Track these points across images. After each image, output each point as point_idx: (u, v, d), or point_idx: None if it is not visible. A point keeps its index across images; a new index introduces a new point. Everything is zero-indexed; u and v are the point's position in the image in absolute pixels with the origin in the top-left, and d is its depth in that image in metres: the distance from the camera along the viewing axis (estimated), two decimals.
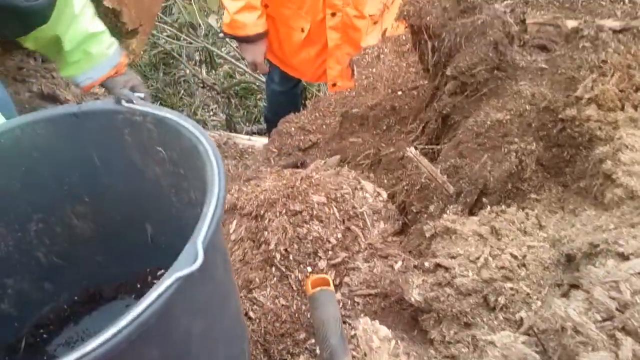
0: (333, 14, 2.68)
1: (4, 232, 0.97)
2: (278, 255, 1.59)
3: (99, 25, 1.92)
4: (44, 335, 1.04)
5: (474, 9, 1.54)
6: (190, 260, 0.61)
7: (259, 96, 4.83)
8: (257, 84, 4.54)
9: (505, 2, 2.00)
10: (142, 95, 1.98)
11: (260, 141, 3.93)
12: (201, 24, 4.18)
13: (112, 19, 2.67)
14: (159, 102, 4.70)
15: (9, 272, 1.00)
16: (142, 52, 3.25)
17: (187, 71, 4.85)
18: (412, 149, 1.45)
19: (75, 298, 1.09)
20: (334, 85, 2.93)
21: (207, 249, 0.65)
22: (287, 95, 3.48)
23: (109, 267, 1.08)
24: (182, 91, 4.95)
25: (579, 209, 1.27)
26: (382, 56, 2.30)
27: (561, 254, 1.20)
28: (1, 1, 1.44)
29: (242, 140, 4.01)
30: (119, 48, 1.97)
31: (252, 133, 4.56)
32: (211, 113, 4.95)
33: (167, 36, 4.60)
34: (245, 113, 4.87)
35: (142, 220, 1.01)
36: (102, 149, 0.95)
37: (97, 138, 0.93)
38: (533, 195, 1.37)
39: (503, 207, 1.39)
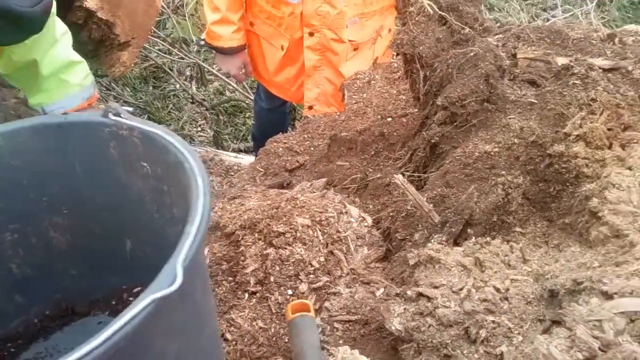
0: (311, 34, 2.68)
1: None
2: (258, 277, 1.57)
3: (77, 55, 1.87)
4: (12, 349, 1.01)
5: (467, 41, 1.55)
6: (168, 282, 0.59)
7: (247, 114, 4.83)
8: (247, 102, 4.54)
9: (497, 36, 2.02)
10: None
11: (247, 159, 3.92)
12: (194, 40, 4.17)
13: (105, 31, 2.66)
14: (147, 116, 4.68)
15: None
16: (132, 65, 3.24)
17: (177, 86, 4.83)
18: (400, 176, 1.45)
19: (47, 312, 1.05)
20: (310, 108, 2.92)
21: (187, 270, 0.63)
22: (274, 113, 3.48)
23: (84, 282, 1.05)
24: (171, 105, 4.93)
25: (563, 244, 1.27)
26: (372, 82, 2.31)
27: (544, 289, 1.20)
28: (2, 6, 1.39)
29: (229, 157, 3.99)
30: (94, 81, 1.92)
31: (239, 151, 4.55)
32: (199, 129, 4.93)
33: (159, 50, 4.59)
34: (233, 130, 4.86)
35: (122, 235, 0.98)
36: (86, 161, 0.92)
37: (81, 150, 0.91)
38: (518, 229, 1.36)
39: (488, 239, 1.38)
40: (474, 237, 1.40)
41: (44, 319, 1.05)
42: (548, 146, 1.35)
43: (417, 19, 1.61)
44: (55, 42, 1.79)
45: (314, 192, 1.82)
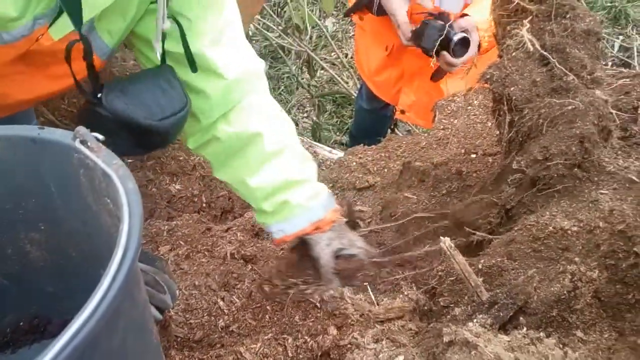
0: None
1: None
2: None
3: (304, 171, 1.53)
4: None
5: (567, 91, 1.29)
6: None
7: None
8: (354, 97, 4.41)
9: (621, 81, 1.72)
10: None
11: (340, 156, 3.80)
12: (308, 27, 4.07)
13: None
14: None
15: None
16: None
17: (292, 69, 4.79)
18: (447, 239, 1.24)
19: (21, 324, 1.00)
20: (403, 112, 2.75)
21: None
22: (373, 115, 3.31)
23: (61, 301, 0.97)
24: (283, 87, 4.92)
25: None
26: (469, 108, 2.07)
27: None
28: (121, 116, 1.18)
29: (323, 151, 3.88)
30: (327, 200, 1.55)
31: (341, 144, 4.44)
32: (305, 115, 4.88)
33: (281, 32, 4.55)
34: (338, 122, 4.75)
35: (96, 264, 0.89)
36: (60, 182, 0.84)
37: (54, 169, 0.82)
38: (579, 333, 1.12)
39: (541, 334, 1.15)
40: (525, 328, 1.17)
41: (16, 330, 1.00)
42: (638, 242, 1.08)
43: (514, 54, 1.37)
44: (264, 162, 1.46)
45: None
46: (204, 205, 2.73)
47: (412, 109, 2.70)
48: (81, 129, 0.75)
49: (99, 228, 0.84)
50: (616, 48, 4.75)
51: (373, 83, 2.90)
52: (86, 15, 1.03)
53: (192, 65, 1.29)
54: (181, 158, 2.97)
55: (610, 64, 4.74)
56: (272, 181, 1.48)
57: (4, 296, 0.96)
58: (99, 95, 1.15)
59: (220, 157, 1.49)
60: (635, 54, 4.53)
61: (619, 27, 5.00)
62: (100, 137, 0.75)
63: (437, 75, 2.40)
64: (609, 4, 4.94)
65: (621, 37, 4.86)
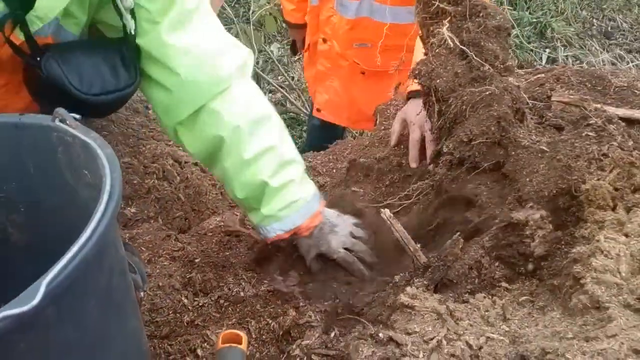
0: (324, 40, 2.73)
1: None
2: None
3: (278, 179, 1.46)
4: None
5: (484, 79, 1.48)
6: (27, 300, 0.59)
7: (304, 127, 4.85)
8: (302, 116, 4.56)
9: (537, 76, 1.92)
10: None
11: None
12: (255, 50, 4.24)
13: None
14: None
15: None
16: None
17: None
18: (387, 211, 1.39)
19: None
20: (319, 110, 2.99)
21: (63, 292, 0.62)
22: (327, 131, 3.46)
23: None
24: None
25: (548, 307, 1.17)
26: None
27: (517, 353, 1.11)
28: (57, 81, 1.17)
29: None
30: (305, 208, 1.53)
31: None
32: None
33: None
34: None
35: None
36: (39, 163, 0.94)
37: (34, 151, 0.93)
38: (504, 284, 1.27)
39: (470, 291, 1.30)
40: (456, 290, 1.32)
41: None
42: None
43: (437, 50, 1.55)
44: (245, 164, 1.44)
45: None
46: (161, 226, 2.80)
47: (326, 107, 2.95)
48: (60, 110, 0.86)
49: (75, 203, 0.95)
50: (544, 60, 5.10)
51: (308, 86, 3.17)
52: (50, 14, 1.12)
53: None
54: (135, 182, 3.04)
55: None
56: (245, 192, 1.49)
57: None
58: (38, 58, 1.16)
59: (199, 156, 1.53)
60: (561, 62, 4.85)
61: (546, 41, 5.35)
62: (78, 116, 0.86)
63: None
64: (534, 20, 5.30)
65: (548, 50, 5.21)
